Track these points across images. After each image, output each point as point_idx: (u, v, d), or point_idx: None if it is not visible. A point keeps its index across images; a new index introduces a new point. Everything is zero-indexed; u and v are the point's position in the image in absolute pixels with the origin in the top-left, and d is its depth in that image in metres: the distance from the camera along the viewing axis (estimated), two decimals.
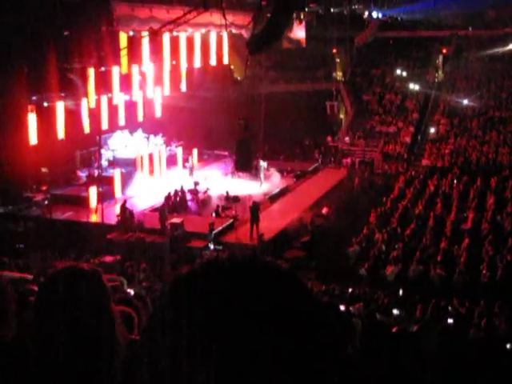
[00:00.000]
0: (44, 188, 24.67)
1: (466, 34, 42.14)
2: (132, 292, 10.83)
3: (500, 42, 40.81)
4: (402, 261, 19.50)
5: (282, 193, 28.28)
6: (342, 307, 13.40)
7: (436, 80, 40.75)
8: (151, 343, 1.06)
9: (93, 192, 24.81)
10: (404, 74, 41.18)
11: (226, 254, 1.14)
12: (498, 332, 11.39)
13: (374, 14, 42.64)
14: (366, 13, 42.40)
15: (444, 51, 41.75)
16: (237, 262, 1.10)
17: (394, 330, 6.71)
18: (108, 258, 19.14)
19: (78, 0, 22.90)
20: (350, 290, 16.93)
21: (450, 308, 14.37)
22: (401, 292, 17.08)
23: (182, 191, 26.15)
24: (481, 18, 41.47)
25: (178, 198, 25.62)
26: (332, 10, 39.02)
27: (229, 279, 1.06)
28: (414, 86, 39.96)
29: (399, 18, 44.45)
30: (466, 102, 37.72)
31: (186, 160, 31.07)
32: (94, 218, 24.00)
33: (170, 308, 1.06)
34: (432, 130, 36.17)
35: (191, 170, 30.21)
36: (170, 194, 25.47)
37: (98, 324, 1.91)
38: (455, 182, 28.65)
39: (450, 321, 12.17)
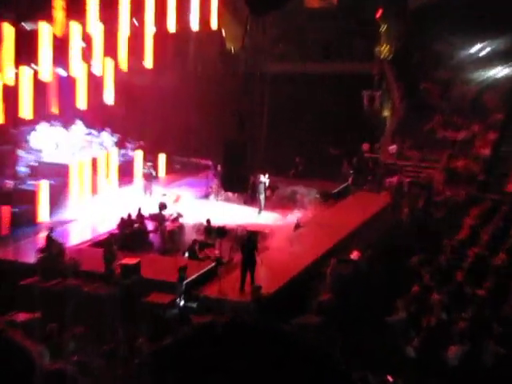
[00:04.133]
0: None
1: None
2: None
3: None
4: (471, 337, 19.44)
5: (296, 226, 28.25)
6: None
7: None
8: None
9: (3, 214, 24.75)
10: (483, 50, 41.32)
11: (222, 322, 1.16)
12: None
13: None
14: None
15: None
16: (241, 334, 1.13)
17: None
18: (22, 316, 19.03)
19: None
20: (391, 379, 16.83)
21: None
22: None
23: (140, 216, 26.11)
24: None
25: (132, 228, 25.58)
26: None
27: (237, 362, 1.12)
28: (497, 71, 40.14)
29: None
30: None
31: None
32: (2, 255, 23.90)
33: None
34: None
35: (149, 181, 30.26)
36: (122, 219, 25.45)
37: None
38: None
39: None
